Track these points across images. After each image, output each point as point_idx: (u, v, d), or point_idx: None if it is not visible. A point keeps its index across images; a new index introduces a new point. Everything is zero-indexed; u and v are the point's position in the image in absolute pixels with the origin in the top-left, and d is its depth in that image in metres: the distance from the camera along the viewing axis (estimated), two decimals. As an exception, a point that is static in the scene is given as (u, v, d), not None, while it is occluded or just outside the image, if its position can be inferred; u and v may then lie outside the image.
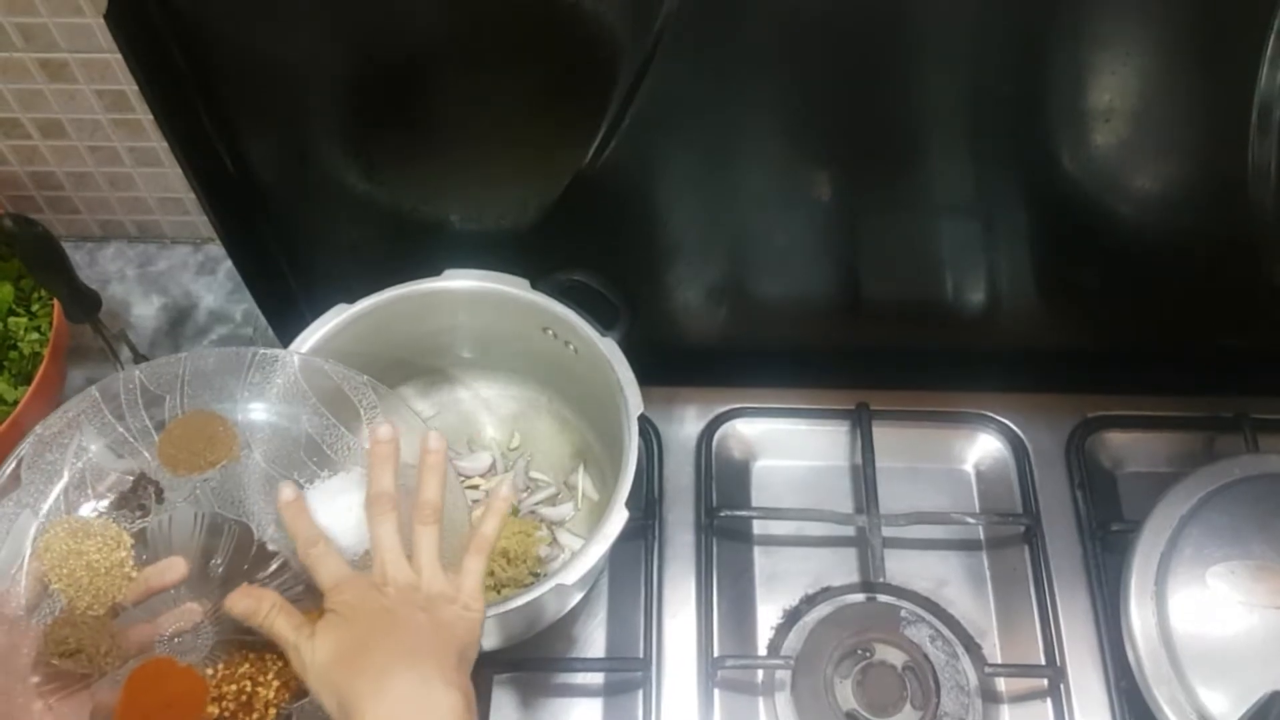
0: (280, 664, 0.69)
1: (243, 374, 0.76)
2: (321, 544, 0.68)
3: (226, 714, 0.68)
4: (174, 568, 0.69)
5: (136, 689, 0.67)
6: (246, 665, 0.69)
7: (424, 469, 0.71)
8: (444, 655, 0.64)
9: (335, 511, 0.72)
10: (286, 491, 0.70)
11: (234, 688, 0.68)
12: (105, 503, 0.71)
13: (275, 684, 0.69)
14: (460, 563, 0.69)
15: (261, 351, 0.77)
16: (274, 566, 0.72)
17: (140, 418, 0.73)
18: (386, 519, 0.68)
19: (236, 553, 0.72)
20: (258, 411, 0.76)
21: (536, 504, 0.98)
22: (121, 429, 0.73)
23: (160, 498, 0.72)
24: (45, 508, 0.70)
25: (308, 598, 0.70)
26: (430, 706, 0.61)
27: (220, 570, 0.72)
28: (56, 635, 0.66)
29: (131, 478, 0.72)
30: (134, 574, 0.69)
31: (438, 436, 0.72)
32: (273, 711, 0.69)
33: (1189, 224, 0.90)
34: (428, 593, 0.67)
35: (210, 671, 0.69)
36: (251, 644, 0.70)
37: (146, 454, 0.72)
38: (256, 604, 0.67)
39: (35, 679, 0.66)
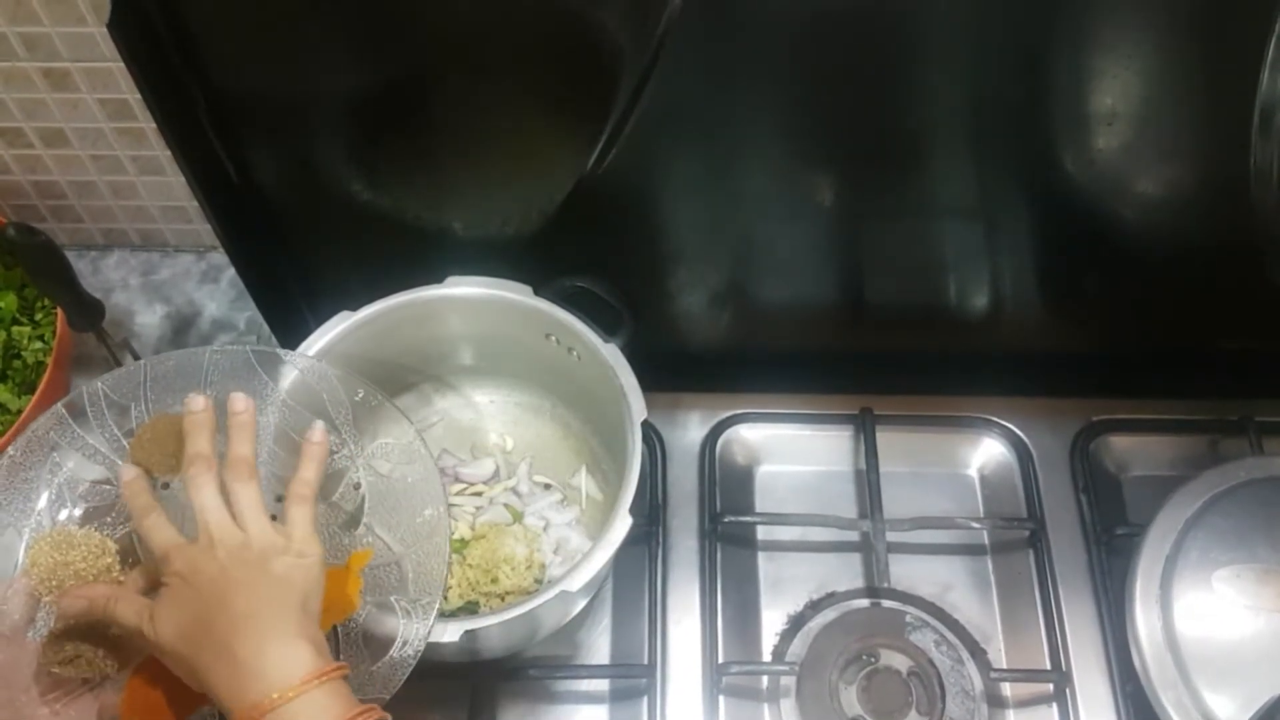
0: None
1: (202, 374, 0.77)
2: (154, 515, 0.67)
3: None
4: None
5: (139, 685, 0.68)
6: None
7: (232, 429, 0.70)
8: (283, 609, 0.64)
9: None
10: (127, 472, 0.70)
11: None
12: (85, 513, 0.73)
13: None
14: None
15: (218, 350, 0.78)
16: None
17: (109, 428, 0.75)
18: (205, 481, 0.67)
19: None
20: (223, 406, 0.76)
21: (542, 508, 0.98)
22: (92, 441, 0.75)
23: None
24: (29, 525, 0.71)
25: None
26: (278, 665, 0.61)
27: None
28: (54, 645, 0.67)
29: (109, 487, 0.73)
30: (122, 578, 0.70)
31: (243, 399, 0.71)
32: None
33: (1192, 227, 0.90)
34: (258, 548, 0.65)
35: None
36: None
37: (120, 462, 0.74)
38: (90, 601, 0.66)
39: (39, 688, 0.66)
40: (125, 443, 0.75)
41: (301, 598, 0.65)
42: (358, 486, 0.78)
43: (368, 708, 0.61)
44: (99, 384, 0.75)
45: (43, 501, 0.73)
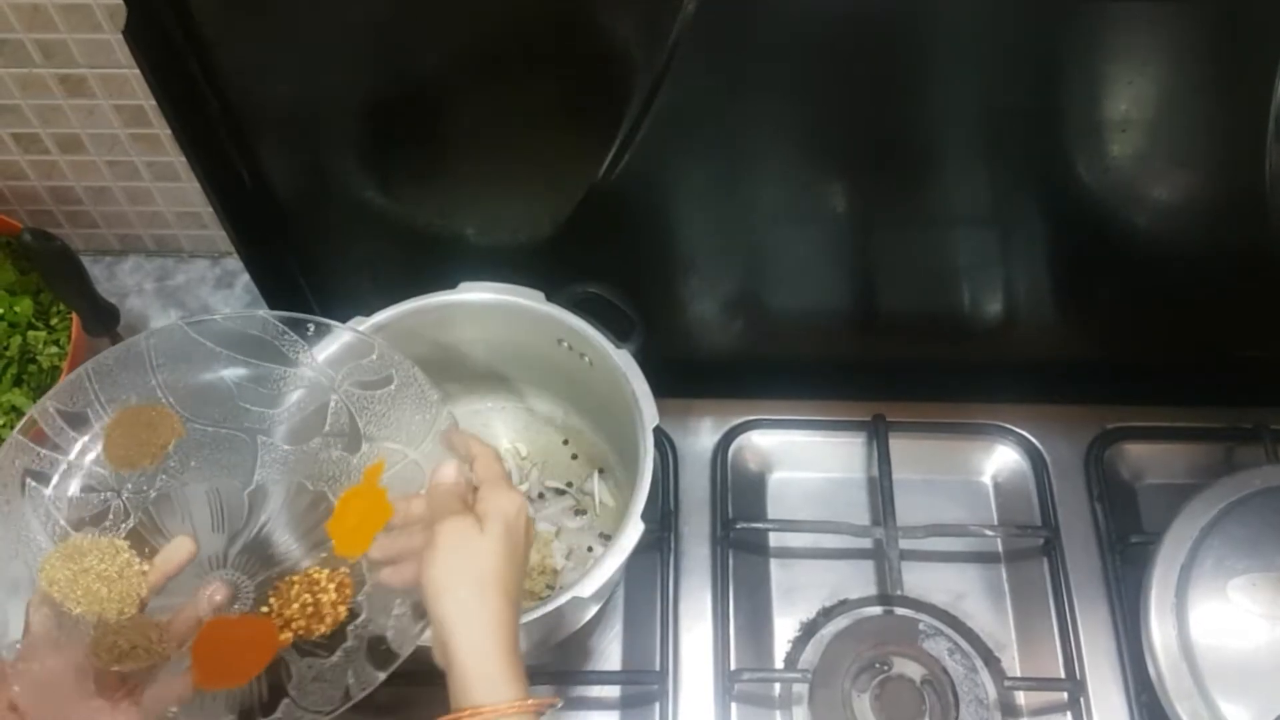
0: (327, 570, 0.71)
1: (145, 361, 0.76)
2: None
3: (300, 632, 0.69)
4: (182, 547, 0.70)
5: (205, 651, 0.68)
6: (296, 586, 0.71)
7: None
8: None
9: None
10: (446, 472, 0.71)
11: (295, 606, 0.70)
12: (80, 524, 0.72)
13: (331, 587, 0.70)
14: None
15: (153, 334, 0.77)
16: (267, 514, 0.75)
17: (73, 439, 0.74)
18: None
19: (230, 511, 0.74)
20: (178, 384, 0.76)
21: (554, 514, 0.98)
22: (61, 458, 0.73)
23: (131, 497, 0.74)
24: (29, 553, 0.70)
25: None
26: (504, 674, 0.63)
27: (223, 532, 0.74)
28: (105, 644, 0.65)
29: (95, 494, 0.73)
30: (145, 567, 0.69)
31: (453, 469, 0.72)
32: (343, 609, 0.70)
33: (1206, 234, 0.90)
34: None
35: (265, 609, 0.70)
36: (291, 569, 0.72)
37: (98, 467, 0.74)
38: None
39: (100, 687, 0.66)
40: (96, 448, 0.74)
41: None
42: (341, 410, 0.78)
43: None
44: (47, 403, 0.74)
45: (35, 526, 0.72)
